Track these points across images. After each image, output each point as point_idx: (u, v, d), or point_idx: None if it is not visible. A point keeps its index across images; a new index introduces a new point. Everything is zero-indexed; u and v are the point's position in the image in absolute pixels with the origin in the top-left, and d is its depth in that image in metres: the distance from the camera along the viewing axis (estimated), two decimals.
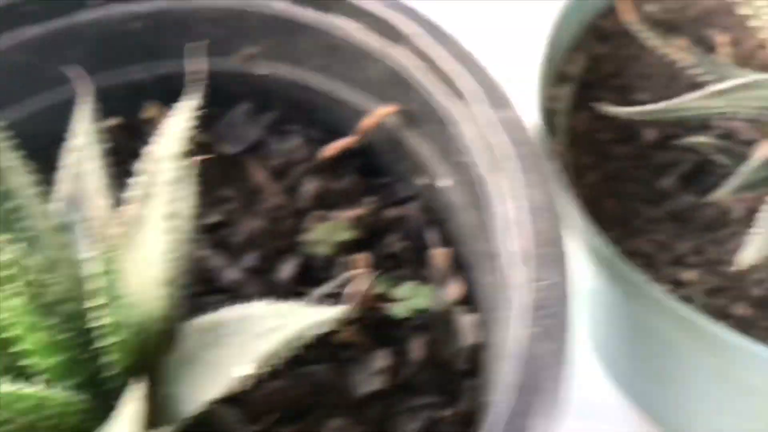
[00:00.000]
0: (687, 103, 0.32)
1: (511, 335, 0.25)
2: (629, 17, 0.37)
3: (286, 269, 0.35)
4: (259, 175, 0.38)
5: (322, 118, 0.39)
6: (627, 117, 0.35)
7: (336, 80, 0.38)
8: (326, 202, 0.37)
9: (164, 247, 0.29)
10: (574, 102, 0.39)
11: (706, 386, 0.36)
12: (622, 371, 0.42)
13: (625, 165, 0.38)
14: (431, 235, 0.36)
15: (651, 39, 0.35)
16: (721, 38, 0.39)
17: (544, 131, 0.36)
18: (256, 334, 0.27)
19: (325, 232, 0.34)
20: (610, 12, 0.42)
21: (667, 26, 0.41)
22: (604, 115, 0.36)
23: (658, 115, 0.33)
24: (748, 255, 0.31)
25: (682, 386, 0.38)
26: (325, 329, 0.25)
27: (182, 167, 0.29)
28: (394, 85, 0.35)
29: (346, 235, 0.34)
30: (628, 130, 0.38)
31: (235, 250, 0.36)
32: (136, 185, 0.30)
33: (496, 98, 0.30)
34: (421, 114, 0.34)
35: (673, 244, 0.35)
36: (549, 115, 0.38)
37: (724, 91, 0.32)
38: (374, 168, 0.39)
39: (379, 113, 0.35)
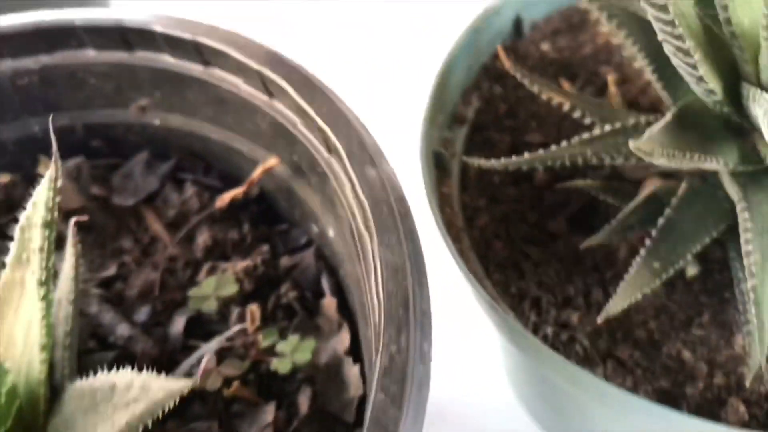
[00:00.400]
0: (558, 151, 0.32)
1: (371, 398, 0.25)
2: (507, 64, 0.38)
3: (178, 323, 0.35)
4: (155, 225, 0.39)
5: (219, 167, 0.40)
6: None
7: (228, 131, 0.38)
8: (220, 253, 0.37)
9: (41, 312, 0.29)
10: (467, 144, 0.39)
11: (602, 426, 0.36)
12: (537, 411, 0.42)
13: (516, 207, 0.38)
14: (324, 284, 0.36)
15: (533, 85, 0.35)
16: (611, 77, 0.39)
17: (432, 176, 0.36)
18: (124, 403, 0.27)
19: (212, 287, 0.34)
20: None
21: (562, 65, 0.42)
22: (496, 157, 0.36)
23: (530, 164, 0.33)
24: (613, 306, 0.31)
25: (583, 424, 0.38)
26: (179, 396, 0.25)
27: (53, 233, 0.29)
28: (280, 136, 0.35)
29: (232, 289, 0.34)
30: (519, 171, 0.38)
31: (129, 304, 0.36)
32: (11, 250, 0.30)
33: (367, 155, 0.30)
34: (305, 165, 0.35)
35: (560, 287, 0.36)
36: (440, 158, 0.38)
37: (595, 138, 0.32)
38: (272, 215, 0.39)
39: (264, 166, 0.36)
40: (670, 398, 0.33)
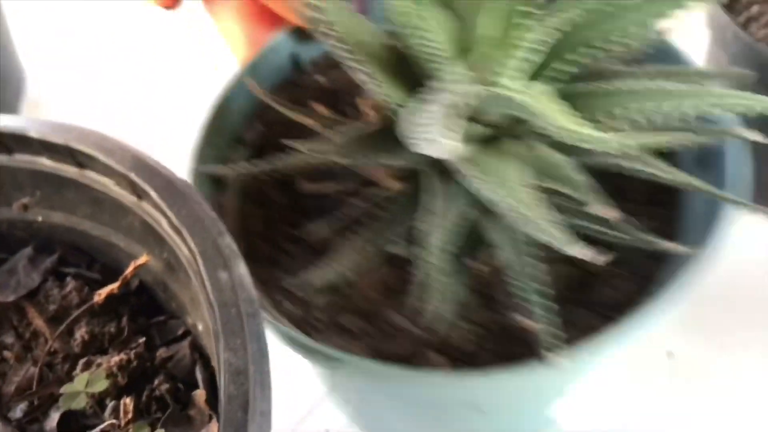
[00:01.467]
0: (280, 160, 0.40)
1: None
2: (259, 93, 0.44)
3: (53, 419, 0.36)
4: (37, 320, 0.40)
5: (102, 260, 0.41)
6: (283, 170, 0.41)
7: (106, 227, 0.39)
8: (97, 346, 0.38)
9: None
10: (249, 161, 0.44)
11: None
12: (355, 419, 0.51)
13: (282, 212, 0.45)
14: (198, 375, 0.37)
15: (285, 110, 0.42)
16: (361, 100, 0.43)
17: (209, 191, 0.43)
18: None
19: (83, 384, 0.35)
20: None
21: (333, 93, 0.49)
22: (271, 170, 0.42)
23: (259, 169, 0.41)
24: (316, 277, 0.39)
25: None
26: None
27: None
28: (150, 235, 0.37)
29: (103, 385, 0.35)
30: (288, 180, 0.45)
31: (6, 402, 0.37)
32: None
33: (221, 258, 0.32)
34: (174, 263, 0.36)
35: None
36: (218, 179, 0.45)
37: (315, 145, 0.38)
38: (152, 306, 0.40)
39: (135, 263, 0.37)
40: (384, 356, 0.39)
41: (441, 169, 0.37)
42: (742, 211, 0.38)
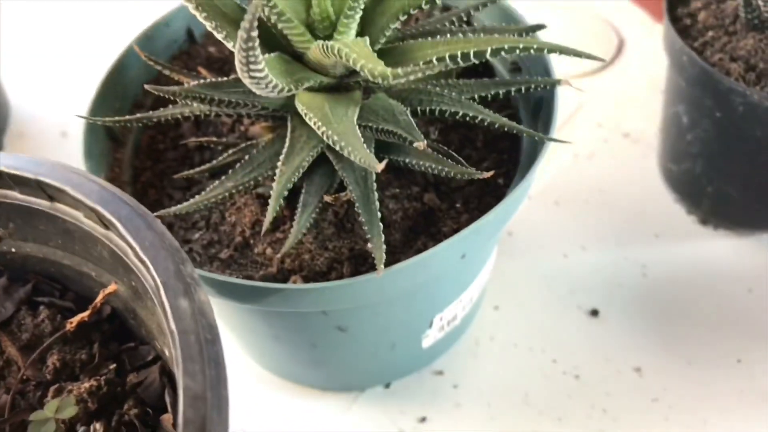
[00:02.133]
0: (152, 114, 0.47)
1: None
2: (143, 56, 0.49)
3: None
4: (10, 349, 0.41)
5: (74, 289, 0.42)
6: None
7: (77, 257, 0.41)
8: (69, 373, 0.39)
9: None
10: (143, 125, 0.50)
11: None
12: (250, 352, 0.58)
13: (172, 165, 0.52)
14: (167, 399, 0.38)
15: (164, 69, 0.48)
16: None
17: (106, 146, 0.51)
18: None
19: (53, 410, 0.36)
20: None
21: (220, 60, 0.57)
22: (164, 130, 0.53)
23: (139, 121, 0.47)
24: (182, 208, 0.45)
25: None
26: None
27: None
28: (119, 264, 0.38)
29: (72, 411, 0.36)
30: (179, 139, 0.53)
31: None
32: None
33: (181, 286, 0.33)
34: (141, 291, 0.37)
35: (189, 216, 0.49)
36: (114, 133, 0.52)
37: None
38: (123, 332, 0.41)
39: (104, 292, 0.38)
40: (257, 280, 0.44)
41: (296, 115, 0.43)
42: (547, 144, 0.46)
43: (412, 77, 0.36)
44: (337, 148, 0.38)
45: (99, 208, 0.36)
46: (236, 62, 0.35)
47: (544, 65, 0.50)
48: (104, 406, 0.38)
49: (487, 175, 0.42)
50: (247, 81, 0.37)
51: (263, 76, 0.36)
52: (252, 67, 0.35)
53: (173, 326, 0.32)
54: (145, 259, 0.34)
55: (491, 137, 0.51)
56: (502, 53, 0.39)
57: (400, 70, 0.36)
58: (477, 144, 0.51)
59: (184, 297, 0.33)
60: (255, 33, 0.33)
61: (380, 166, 0.36)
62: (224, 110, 0.43)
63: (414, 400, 0.56)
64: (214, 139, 0.51)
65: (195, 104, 0.43)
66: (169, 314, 0.32)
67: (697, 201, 0.64)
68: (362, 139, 0.39)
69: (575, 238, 0.65)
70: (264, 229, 0.43)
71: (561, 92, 0.48)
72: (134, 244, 0.35)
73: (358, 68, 0.37)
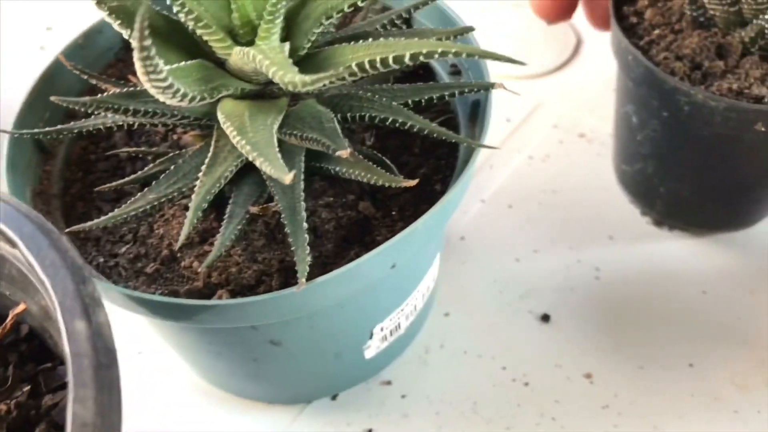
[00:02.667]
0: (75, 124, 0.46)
1: None
2: (69, 65, 0.49)
3: None
4: None
5: None
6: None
7: None
8: None
9: None
10: (75, 135, 0.48)
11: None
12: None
13: (102, 176, 0.51)
14: None
15: (91, 79, 0.47)
16: None
17: (33, 158, 0.50)
18: None
19: None
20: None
21: None
22: (96, 141, 0.52)
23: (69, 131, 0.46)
24: (98, 223, 0.43)
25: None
26: None
27: None
28: (28, 283, 0.37)
29: None
30: (110, 149, 0.52)
31: None
32: None
33: (79, 307, 0.32)
34: (50, 310, 0.36)
35: (117, 229, 0.48)
36: (43, 145, 0.51)
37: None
38: (43, 352, 0.40)
39: (13, 313, 0.37)
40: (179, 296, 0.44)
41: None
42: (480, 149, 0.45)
43: (320, 84, 0.35)
44: (250, 158, 0.37)
45: (2, 226, 0.35)
46: (137, 71, 0.34)
47: (481, 68, 0.48)
48: (16, 430, 0.37)
49: (412, 183, 0.41)
50: (152, 91, 0.35)
51: (167, 85, 0.35)
52: (152, 76, 0.34)
53: (66, 349, 0.31)
54: (44, 278, 0.33)
55: (429, 143, 0.50)
56: (421, 58, 0.38)
57: (308, 78, 0.35)
58: (414, 150, 0.50)
59: (81, 318, 0.31)
60: (148, 42, 0.32)
61: (289, 178, 0.35)
62: (141, 120, 0.42)
63: (361, 412, 0.55)
64: (144, 149, 0.49)
65: (110, 115, 0.42)
66: (64, 336, 0.31)
67: (651, 202, 0.63)
68: (277, 149, 0.37)
69: (528, 241, 0.64)
70: (180, 243, 0.41)
71: (521, 92, 0.47)
72: (34, 263, 0.34)
73: (270, 75, 0.36)
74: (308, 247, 0.40)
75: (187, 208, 0.46)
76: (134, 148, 0.50)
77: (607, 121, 0.69)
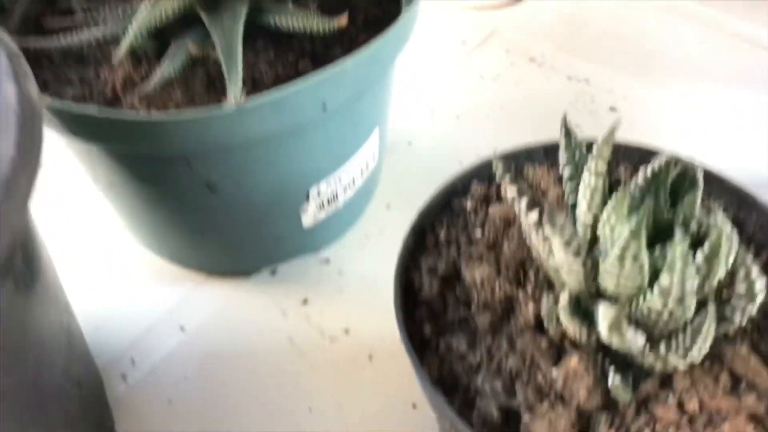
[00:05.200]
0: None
1: None
2: None
3: None
4: None
5: None
6: None
7: None
8: None
9: None
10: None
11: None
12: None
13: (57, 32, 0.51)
14: None
15: None
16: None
17: None
18: None
19: None
20: None
21: None
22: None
23: None
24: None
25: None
26: None
27: None
28: None
29: None
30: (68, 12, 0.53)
31: None
32: None
33: (12, 76, 0.34)
34: None
35: (68, 72, 0.49)
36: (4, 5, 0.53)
37: None
38: None
39: None
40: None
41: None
42: None
43: None
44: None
45: None
46: None
47: None
48: None
49: (343, 21, 0.43)
50: None
51: None
52: None
53: None
54: None
55: (372, 14, 0.52)
56: None
57: None
58: (358, 23, 0.52)
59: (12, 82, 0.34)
60: None
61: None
62: None
63: (299, 284, 0.57)
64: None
65: None
66: None
67: None
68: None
69: (472, 148, 0.66)
70: (117, 58, 0.43)
71: (475, 21, 0.49)
72: None
73: None
74: (241, 72, 0.42)
75: (133, 55, 0.49)
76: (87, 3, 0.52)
77: (559, 48, 0.72)
